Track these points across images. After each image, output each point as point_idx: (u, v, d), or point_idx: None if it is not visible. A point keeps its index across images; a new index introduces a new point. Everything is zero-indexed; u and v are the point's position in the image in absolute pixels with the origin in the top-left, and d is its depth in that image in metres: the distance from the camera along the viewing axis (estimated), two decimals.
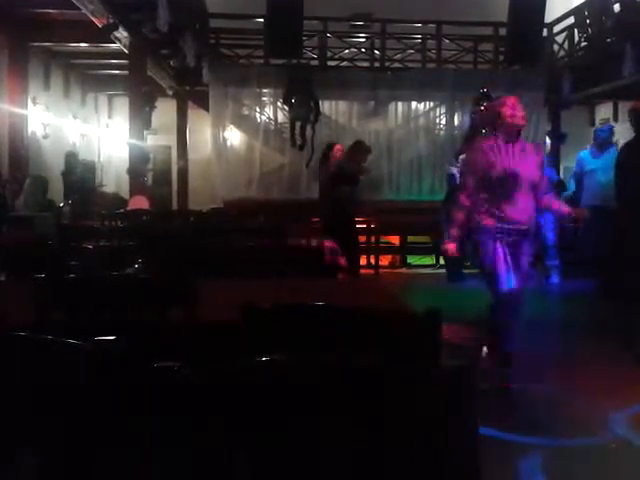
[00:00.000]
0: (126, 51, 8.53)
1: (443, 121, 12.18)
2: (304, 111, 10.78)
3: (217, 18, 11.42)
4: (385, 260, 9.92)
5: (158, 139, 12.21)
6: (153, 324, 2.10)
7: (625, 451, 3.09)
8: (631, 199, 6.03)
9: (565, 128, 11.82)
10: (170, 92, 11.44)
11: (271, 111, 11.88)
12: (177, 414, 1.24)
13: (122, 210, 7.76)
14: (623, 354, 4.66)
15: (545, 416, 3.53)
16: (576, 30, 10.80)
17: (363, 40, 12.18)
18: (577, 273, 8.28)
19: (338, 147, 7.62)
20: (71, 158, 9.88)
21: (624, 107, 12.39)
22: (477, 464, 1.30)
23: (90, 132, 12.24)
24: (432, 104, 12.07)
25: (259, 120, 11.80)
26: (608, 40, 9.65)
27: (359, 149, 7.12)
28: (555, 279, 8.26)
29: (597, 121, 13.71)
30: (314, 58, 11.64)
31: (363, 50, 12.05)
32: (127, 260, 3.36)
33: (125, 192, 9.44)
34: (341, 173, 6.88)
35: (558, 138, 11.79)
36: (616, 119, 12.55)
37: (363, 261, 9.47)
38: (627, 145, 6.57)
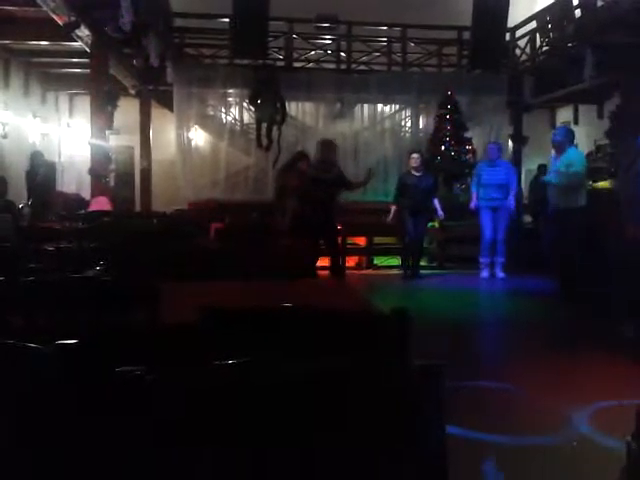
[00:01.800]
0: (88, 50, 8.39)
1: (408, 123, 12.29)
2: (270, 112, 10.75)
3: (182, 17, 11.33)
4: (352, 261, 9.95)
5: (120, 139, 12.00)
6: (115, 327, 2.05)
7: (587, 449, 3.14)
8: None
9: (527, 131, 12.03)
10: (133, 91, 11.27)
11: (237, 111, 11.82)
12: (139, 418, 1.21)
13: (83, 211, 7.62)
14: (581, 351, 4.75)
15: (508, 414, 3.57)
16: (538, 35, 11.01)
17: (329, 42, 12.22)
18: (525, 269, 8.52)
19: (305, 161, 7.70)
20: (36, 157, 9.68)
21: (584, 110, 12.70)
22: (445, 463, 1.30)
23: (50, 131, 12.00)
24: (397, 107, 12.17)
25: (224, 120, 11.72)
26: (569, 45, 9.86)
27: (329, 147, 7.10)
28: (500, 274, 8.50)
29: (558, 124, 14.00)
30: (280, 59, 11.62)
31: (329, 52, 12.08)
32: (88, 262, 3.29)
33: (86, 193, 9.28)
34: (315, 175, 6.87)
35: (520, 141, 11.99)
36: (576, 122, 12.84)
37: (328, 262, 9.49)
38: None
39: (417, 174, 8.65)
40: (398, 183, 8.89)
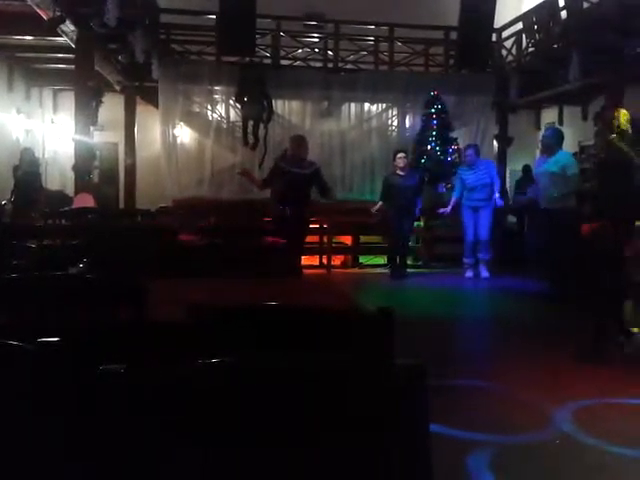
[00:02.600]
0: (73, 45, 8.31)
1: (395, 123, 12.31)
2: (257, 110, 10.72)
3: (168, 13, 11.25)
4: (337, 260, 9.96)
5: (105, 135, 11.92)
6: (98, 325, 2.03)
7: (569, 447, 3.17)
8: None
9: (512, 132, 12.10)
10: (118, 87, 11.19)
11: (223, 109, 11.76)
12: (124, 417, 1.20)
13: (67, 208, 7.56)
14: (565, 351, 4.79)
15: (491, 413, 3.59)
16: (524, 36, 11.07)
17: (316, 40, 12.20)
18: (509, 269, 8.61)
19: None
20: (26, 154, 9.59)
21: (569, 112, 12.79)
22: (430, 462, 1.30)
23: (34, 127, 11.87)
24: (384, 106, 12.18)
25: (210, 118, 11.66)
26: (555, 46, 9.93)
27: (299, 142, 7.02)
28: (484, 273, 8.55)
29: (543, 125, 14.09)
30: (267, 57, 11.59)
31: (316, 50, 12.07)
32: (71, 260, 3.25)
33: (70, 190, 9.19)
34: (286, 170, 6.78)
35: (505, 141, 12.06)
36: (561, 123, 12.92)
37: (316, 261, 9.50)
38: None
39: (402, 174, 8.71)
40: (384, 184, 8.94)
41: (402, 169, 8.73)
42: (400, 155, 8.86)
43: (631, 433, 3.30)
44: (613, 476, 2.89)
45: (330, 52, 11.90)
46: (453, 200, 8.84)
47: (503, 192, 9.67)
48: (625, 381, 4.12)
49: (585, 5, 9.01)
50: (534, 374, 4.30)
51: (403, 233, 8.74)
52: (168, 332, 1.70)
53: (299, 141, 7.01)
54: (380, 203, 8.87)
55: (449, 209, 8.85)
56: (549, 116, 13.79)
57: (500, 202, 8.69)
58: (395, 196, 8.60)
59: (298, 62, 11.87)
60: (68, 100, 10.85)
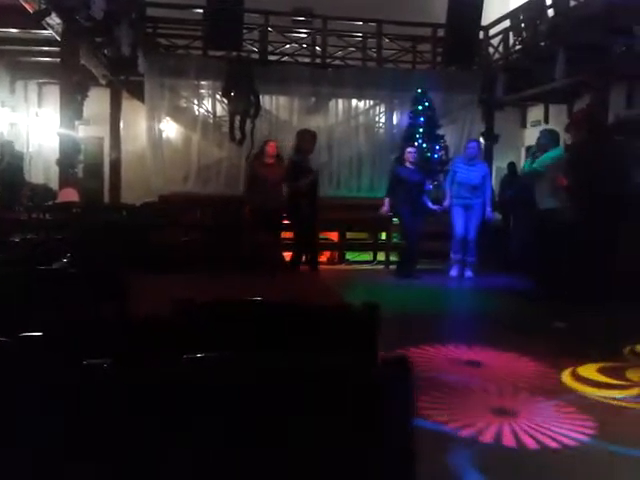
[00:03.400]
0: (58, 38, 8.23)
1: (382, 119, 12.32)
2: (244, 105, 10.67)
3: (155, 7, 11.17)
4: (324, 256, 9.95)
5: (90, 130, 11.80)
6: (82, 320, 2.02)
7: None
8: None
9: (498, 129, 12.14)
10: (103, 81, 11.09)
11: (209, 104, 11.69)
12: (107, 412, 1.19)
13: (51, 203, 7.49)
14: (540, 347, 4.83)
15: (470, 407, 3.61)
16: (511, 33, 11.11)
17: (304, 36, 12.17)
18: (494, 268, 8.63)
19: (271, 144, 7.86)
20: (7, 147, 9.50)
21: (554, 110, 12.88)
22: (413, 455, 1.30)
23: (19, 121, 11.75)
24: (372, 102, 12.18)
25: (197, 113, 11.59)
26: (541, 44, 9.97)
27: (305, 137, 7.00)
28: (468, 273, 8.51)
29: (529, 123, 14.17)
30: (255, 52, 11.54)
31: (304, 46, 12.03)
32: (55, 254, 3.23)
33: (54, 184, 9.11)
34: (295, 167, 6.82)
35: (491, 139, 12.11)
36: (547, 121, 13.01)
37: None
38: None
39: (412, 168, 8.46)
40: (392, 176, 8.60)
41: (412, 163, 8.48)
42: (411, 150, 8.69)
43: (612, 429, 3.34)
44: (594, 473, 2.91)
45: (318, 48, 11.87)
46: (448, 192, 8.57)
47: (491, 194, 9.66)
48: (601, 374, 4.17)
49: (572, 3, 9.06)
50: (517, 370, 4.33)
51: (416, 229, 8.31)
52: (152, 327, 1.69)
53: (305, 135, 7.09)
54: (387, 200, 8.46)
55: (448, 202, 8.54)
56: (535, 114, 13.87)
57: (490, 215, 8.51)
58: (405, 190, 8.25)
59: (286, 57, 11.82)
60: (53, 94, 10.73)
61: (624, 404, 3.70)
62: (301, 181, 7.15)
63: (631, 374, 4.22)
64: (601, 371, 4.27)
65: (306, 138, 6.88)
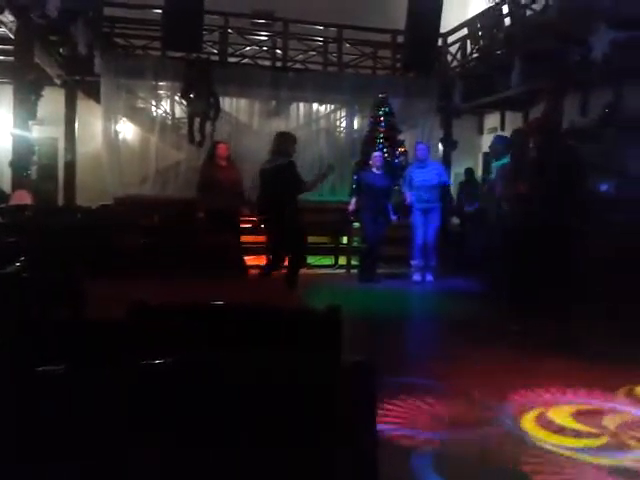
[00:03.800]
0: (12, 36, 8.04)
1: (343, 124, 12.37)
2: (203, 107, 10.56)
3: (112, 7, 10.98)
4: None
5: (44, 130, 11.51)
6: (35, 325, 1.95)
7: (512, 445, 3.23)
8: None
9: (456, 135, 12.32)
10: (58, 81, 10.84)
11: (168, 105, 11.56)
12: (64, 419, 1.15)
13: (3, 205, 7.28)
14: (507, 349, 4.90)
15: (435, 410, 3.63)
16: (469, 41, 11.29)
17: (265, 38, 12.14)
18: (452, 271, 8.76)
19: (222, 145, 7.81)
20: None
21: (510, 117, 13.14)
22: (375, 458, 1.29)
23: None
24: (333, 107, 12.23)
25: (155, 114, 11.44)
26: (498, 52, 10.16)
27: (288, 139, 6.80)
28: (429, 277, 8.63)
29: (485, 130, 14.42)
30: (214, 53, 11.46)
31: (265, 48, 12.00)
32: (8, 258, 3.12)
33: (7, 186, 8.86)
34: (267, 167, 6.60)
35: (450, 145, 12.28)
36: (503, 128, 13.26)
37: (263, 261, 9.43)
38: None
39: (378, 173, 8.50)
40: (358, 181, 8.63)
41: (378, 168, 8.53)
42: (377, 154, 8.74)
43: (572, 429, 3.39)
44: (555, 473, 2.95)
45: (279, 51, 11.85)
46: (407, 194, 8.65)
47: (449, 196, 9.83)
48: (566, 373, 4.24)
49: (528, 12, 9.27)
50: (477, 372, 4.38)
51: (377, 235, 8.39)
52: (107, 331, 1.64)
53: (288, 137, 6.89)
54: (354, 199, 8.56)
55: (410, 199, 8.58)
56: (492, 121, 14.13)
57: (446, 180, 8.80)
58: (370, 196, 8.29)
59: (246, 60, 11.78)
60: (6, 93, 10.43)
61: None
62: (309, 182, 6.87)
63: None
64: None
65: (289, 140, 6.71)
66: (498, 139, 7.92)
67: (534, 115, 10.72)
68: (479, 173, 13.32)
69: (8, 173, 8.33)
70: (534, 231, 5.93)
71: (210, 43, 11.36)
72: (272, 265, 6.92)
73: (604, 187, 7.86)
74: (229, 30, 11.40)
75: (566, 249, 5.83)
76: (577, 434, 3.32)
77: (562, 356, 4.72)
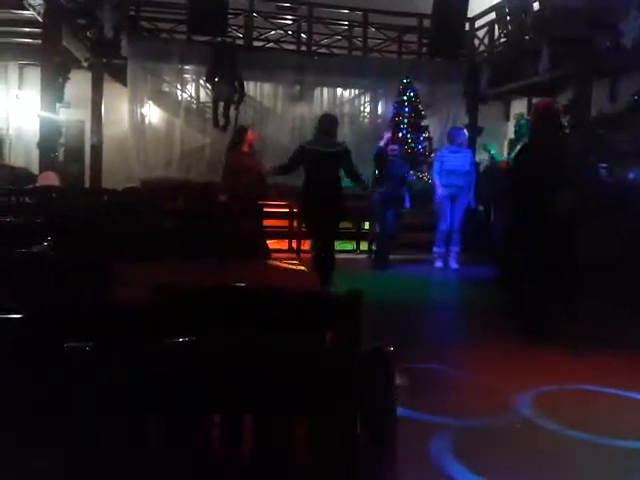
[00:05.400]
0: (40, 19, 8.11)
1: (367, 109, 12.29)
2: (228, 91, 10.58)
3: None
4: (307, 244, 9.93)
5: (71, 113, 11.64)
6: (62, 304, 1.99)
7: (529, 431, 3.23)
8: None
9: (481, 122, 12.17)
10: (85, 64, 10.93)
11: (193, 89, 11.60)
12: (88, 395, 1.18)
13: (31, 186, 7.40)
14: (525, 337, 4.88)
15: (454, 397, 3.65)
16: (496, 26, 11.13)
17: (290, 22, 12.08)
18: (477, 259, 8.66)
19: (252, 132, 7.63)
20: None
21: None
22: (395, 444, 1.31)
23: None
24: (357, 91, 12.15)
25: (180, 98, 11.49)
26: (526, 37, 10.00)
27: (334, 121, 6.56)
28: (454, 264, 8.53)
29: (512, 116, 14.24)
30: (239, 37, 11.44)
31: (290, 33, 11.96)
32: (35, 238, 3.18)
33: (35, 167, 8.99)
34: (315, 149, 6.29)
35: (475, 131, 12.14)
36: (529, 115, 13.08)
37: (285, 245, 9.48)
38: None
39: (398, 161, 8.42)
40: (378, 161, 8.48)
41: (395, 156, 8.44)
42: (394, 147, 8.53)
43: (587, 418, 3.38)
44: (570, 460, 2.95)
45: (303, 35, 11.80)
46: (437, 182, 8.45)
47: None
48: (577, 365, 4.22)
49: None
50: (496, 359, 4.38)
51: (390, 221, 8.31)
52: (133, 313, 1.68)
53: (329, 118, 6.61)
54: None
55: (440, 192, 8.39)
56: (518, 107, 13.93)
57: (473, 205, 8.55)
58: (384, 180, 8.24)
59: (271, 44, 11.74)
60: (34, 76, 10.56)
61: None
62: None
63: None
64: None
65: (335, 122, 6.48)
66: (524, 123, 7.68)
67: (562, 101, 10.54)
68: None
69: (36, 155, 8.45)
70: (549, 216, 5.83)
71: (235, 27, 11.35)
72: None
73: (632, 174, 7.73)
74: (254, 14, 11.37)
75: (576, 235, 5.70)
76: (597, 422, 3.32)
77: (582, 345, 4.69)
